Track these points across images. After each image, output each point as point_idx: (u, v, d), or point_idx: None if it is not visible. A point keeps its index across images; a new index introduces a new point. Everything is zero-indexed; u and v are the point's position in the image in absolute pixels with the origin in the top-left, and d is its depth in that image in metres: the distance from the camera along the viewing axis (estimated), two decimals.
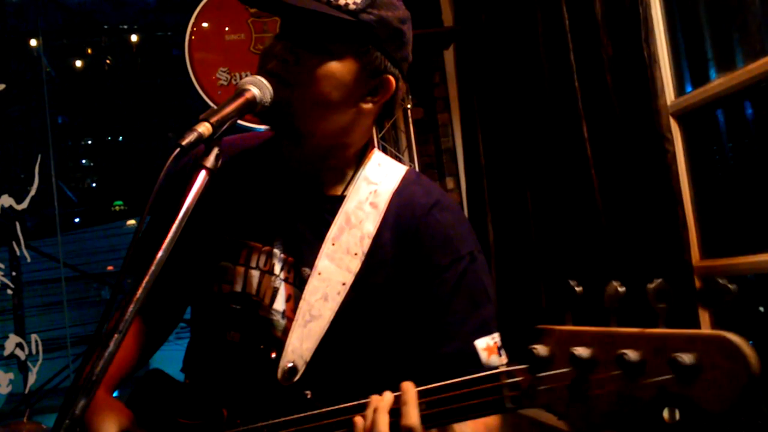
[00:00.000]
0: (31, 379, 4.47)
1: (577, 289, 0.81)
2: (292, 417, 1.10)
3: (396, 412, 0.98)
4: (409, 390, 0.97)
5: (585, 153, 2.52)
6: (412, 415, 0.95)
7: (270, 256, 1.27)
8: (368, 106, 1.25)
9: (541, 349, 0.80)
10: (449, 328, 1.21)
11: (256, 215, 1.31)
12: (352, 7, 1.16)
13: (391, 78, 1.24)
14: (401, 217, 1.26)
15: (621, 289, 0.76)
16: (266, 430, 1.14)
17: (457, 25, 3.84)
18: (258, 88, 1.15)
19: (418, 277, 1.24)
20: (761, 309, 2.20)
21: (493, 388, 0.89)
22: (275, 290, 1.26)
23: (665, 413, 2.29)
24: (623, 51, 2.32)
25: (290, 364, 1.19)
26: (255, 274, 1.27)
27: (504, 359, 1.20)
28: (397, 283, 1.24)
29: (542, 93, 2.81)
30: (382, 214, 1.26)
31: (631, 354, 0.71)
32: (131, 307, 0.89)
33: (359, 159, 1.32)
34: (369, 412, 1.00)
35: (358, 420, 1.00)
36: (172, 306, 1.50)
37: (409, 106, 3.98)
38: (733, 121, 2.23)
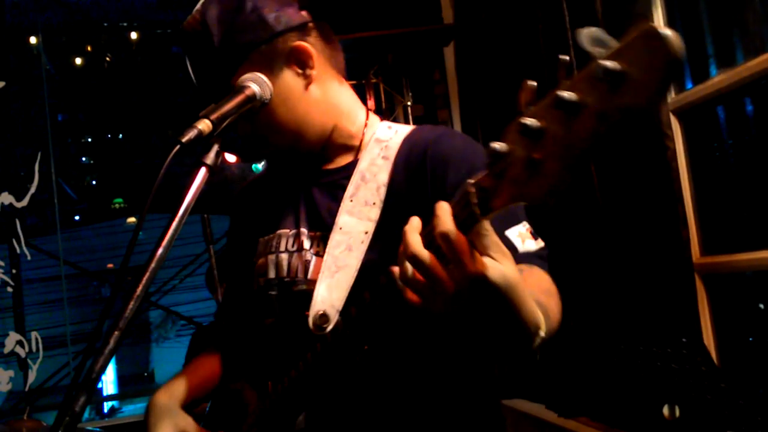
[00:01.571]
0: (31, 376, 4.48)
1: (531, 83, 0.77)
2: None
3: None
4: (441, 205, 0.85)
5: None
6: (446, 221, 0.81)
7: (297, 236, 1.31)
8: (308, 77, 1.28)
9: (498, 145, 0.76)
10: None
11: (284, 207, 1.37)
12: (218, 41, 1.23)
13: (297, 44, 1.27)
14: (411, 155, 1.27)
15: (567, 59, 0.73)
16: (294, 372, 1.18)
17: (457, 22, 3.83)
18: (258, 84, 1.16)
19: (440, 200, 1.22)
20: (761, 306, 2.20)
21: (463, 201, 0.82)
22: (307, 263, 1.28)
23: (665, 410, 2.27)
24: None
25: (321, 311, 1.19)
26: (284, 257, 1.31)
27: (541, 242, 1.15)
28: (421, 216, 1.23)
29: (543, 90, 2.80)
30: (393, 161, 1.27)
31: (566, 94, 0.68)
32: (131, 304, 0.89)
33: (363, 125, 1.35)
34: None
35: (395, 268, 0.91)
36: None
37: (408, 103, 3.98)
38: (733, 117, 2.23)
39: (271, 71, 1.24)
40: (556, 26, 2.66)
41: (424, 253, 0.81)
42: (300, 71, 1.27)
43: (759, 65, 1.97)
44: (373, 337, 1.08)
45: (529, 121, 0.72)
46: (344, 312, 1.17)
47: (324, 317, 1.18)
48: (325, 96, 1.31)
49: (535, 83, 0.76)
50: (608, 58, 0.65)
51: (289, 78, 1.26)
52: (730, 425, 1.75)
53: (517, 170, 0.74)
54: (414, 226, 0.86)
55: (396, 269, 0.88)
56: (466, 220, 0.80)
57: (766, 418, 1.62)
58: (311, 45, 1.28)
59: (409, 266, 0.83)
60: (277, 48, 1.25)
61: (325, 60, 1.32)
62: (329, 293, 1.20)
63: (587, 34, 0.68)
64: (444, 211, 0.81)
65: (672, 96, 2.31)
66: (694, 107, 2.24)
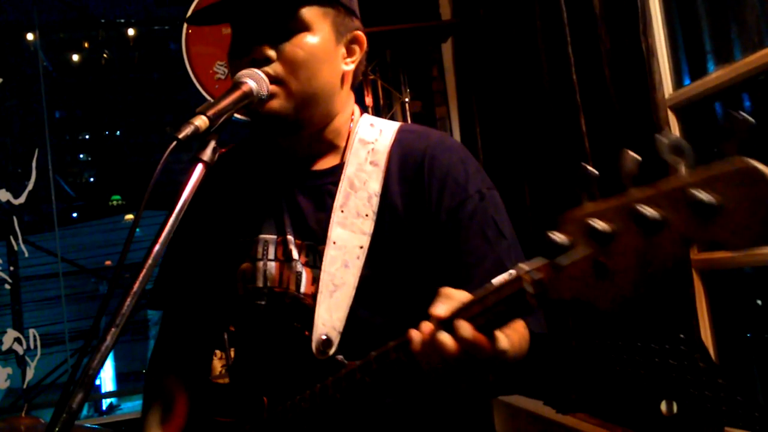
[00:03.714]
0: (29, 374, 4.47)
1: (591, 170, 0.73)
2: (326, 381, 1.10)
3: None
4: (451, 297, 0.91)
5: (583, 146, 2.51)
6: (465, 326, 0.85)
7: (285, 244, 1.27)
8: (349, 68, 1.28)
9: (558, 236, 0.73)
10: (466, 270, 1.18)
11: (265, 210, 1.32)
12: None
13: (359, 33, 1.28)
14: (404, 166, 1.25)
15: (637, 158, 0.68)
16: (303, 404, 1.14)
17: (455, 19, 3.83)
18: (254, 80, 1.15)
19: (431, 223, 1.21)
20: (759, 302, 2.21)
21: (515, 292, 0.80)
22: (298, 275, 1.25)
23: (663, 406, 2.27)
24: (621, 44, 2.31)
25: (324, 337, 1.18)
26: (273, 265, 1.27)
27: None
28: (413, 233, 1.22)
29: (540, 86, 2.80)
30: (384, 170, 1.25)
31: (647, 210, 0.64)
32: (128, 301, 0.89)
33: (349, 124, 1.32)
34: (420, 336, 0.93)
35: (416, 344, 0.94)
36: (211, 318, 1.47)
37: (406, 99, 3.98)
38: None
39: (334, 30, 1.23)
40: (554, 23, 2.66)
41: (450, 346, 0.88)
42: (346, 58, 1.27)
43: (757, 61, 1.97)
44: (394, 390, 1.12)
45: (598, 224, 0.69)
46: (345, 334, 1.18)
47: (327, 342, 1.17)
48: (346, 91, 1.31)
49: (596, 172, 0.73)
50: (699, 185, 0.62)
51: (337, 57, 1.25)
52: (728, 421, 1.75)
53: (580, 268, 0.71)
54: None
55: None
56: (510, 310, 0.84)
57: (763, 414, 1.62)
58: (366, 42, 1.30)
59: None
60: (346, 19, 1.26)
61: (361, 63, 1.32)
62: (330, 315, 1.18)
63: (667, 144, 0.65)
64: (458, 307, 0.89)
65: (669, 92, 2.31)
66: (692, 103, 2.24)
